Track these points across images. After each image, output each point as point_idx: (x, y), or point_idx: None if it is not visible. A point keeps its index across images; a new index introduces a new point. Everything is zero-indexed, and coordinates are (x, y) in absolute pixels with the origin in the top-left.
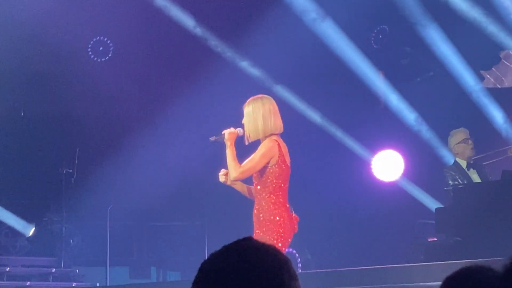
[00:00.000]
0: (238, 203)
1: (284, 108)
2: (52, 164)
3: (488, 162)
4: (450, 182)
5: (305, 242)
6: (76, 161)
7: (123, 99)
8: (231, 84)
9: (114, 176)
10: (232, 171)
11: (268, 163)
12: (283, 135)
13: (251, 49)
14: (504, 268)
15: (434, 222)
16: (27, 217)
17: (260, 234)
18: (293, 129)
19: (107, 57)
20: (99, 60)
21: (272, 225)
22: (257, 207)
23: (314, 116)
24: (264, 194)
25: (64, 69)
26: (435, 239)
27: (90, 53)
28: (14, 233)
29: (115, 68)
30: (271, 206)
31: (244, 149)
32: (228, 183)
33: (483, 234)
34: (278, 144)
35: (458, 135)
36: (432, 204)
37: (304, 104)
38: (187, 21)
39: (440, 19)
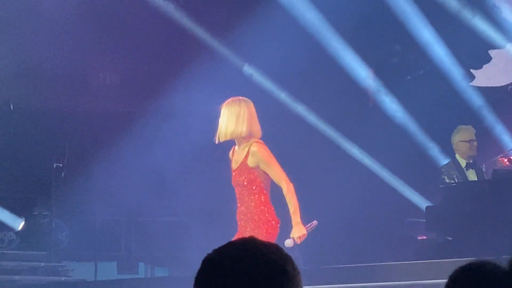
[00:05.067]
0: (225, 200)
1: (274, 105)
2: (42, 158)
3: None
4: (446, 180)
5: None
6: (66, 156)
7: (112, 94)
8: (219, 82)
9: (104, 171)
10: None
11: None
12: (271, 133)
13: (240, 46)
14: (510, 263)
15: (423, 220)
16: (17, 211)
17: (247, 232)
18: (281, 126)
19: None
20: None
21: (261, 223)
22: (245, 207)
23: (303, 112)
24: (253, 193)
25: (53, 63)
26: (425, 237)
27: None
28: (3, 227)
29: (105, 62)
30: (260, 205)
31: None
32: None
33: (473, 233)
34: None
35: (464, 134)
36: (422, 202)
37: (293, 101)
38: (174, 12)
39: (431, 16)
